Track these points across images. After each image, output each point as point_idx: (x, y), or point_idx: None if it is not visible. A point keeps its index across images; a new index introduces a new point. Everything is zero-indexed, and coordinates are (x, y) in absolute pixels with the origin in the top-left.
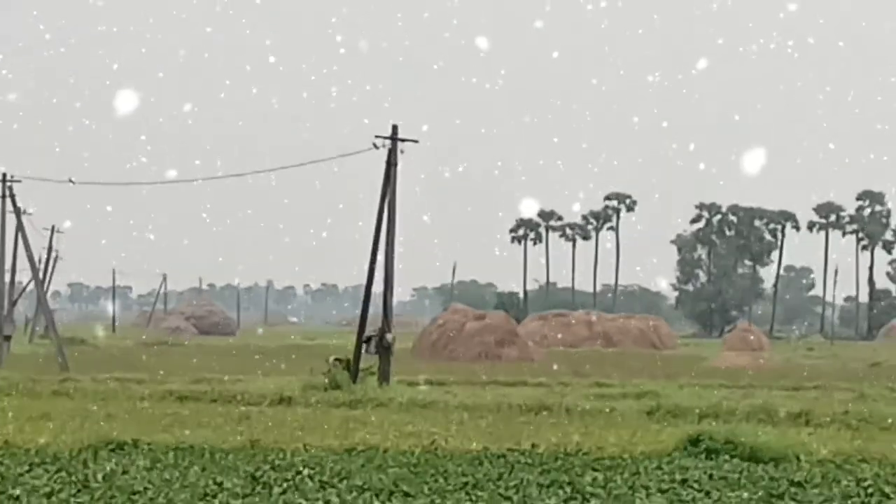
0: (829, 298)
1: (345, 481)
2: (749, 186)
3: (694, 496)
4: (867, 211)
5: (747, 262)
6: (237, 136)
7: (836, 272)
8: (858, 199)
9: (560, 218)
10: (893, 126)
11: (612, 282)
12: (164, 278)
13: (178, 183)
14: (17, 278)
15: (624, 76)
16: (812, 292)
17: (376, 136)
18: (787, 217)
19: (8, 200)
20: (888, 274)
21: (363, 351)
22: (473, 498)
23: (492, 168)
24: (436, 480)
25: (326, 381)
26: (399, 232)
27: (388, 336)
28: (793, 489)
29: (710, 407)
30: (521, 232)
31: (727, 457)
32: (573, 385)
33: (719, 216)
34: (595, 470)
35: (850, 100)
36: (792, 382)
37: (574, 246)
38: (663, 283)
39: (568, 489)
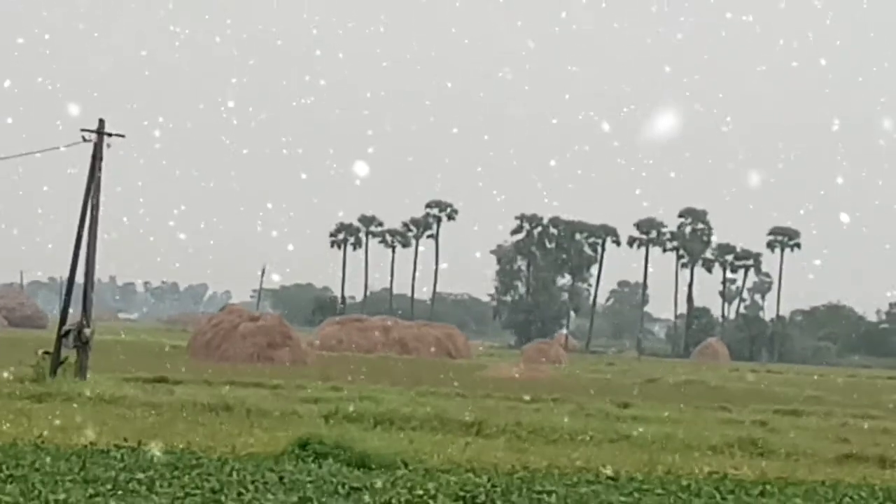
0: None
1: None
2: (571, 199)
3: (232, 497)
4: (688, 228)
5: (567, 275)
6: None
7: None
8: (680, 216)
9: (381, 224)
10: (720, 143)
11: (445, 290)
12: None
13: None
14: None
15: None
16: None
17: (82, 130)
18: (608, 231)
19: None
20: (721, 293)
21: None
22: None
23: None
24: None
25: (34, 373)
26: (234, 231)
27: (87, 330)
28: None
29: (389, 413)
30: (340, 236)
31: (332, 462)
32: (311, 388)
33: (540, 228)
34: (176, 469)
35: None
36: (539, 394)
37: (394, 252)
38: (483, 293)
39: (109, 485)
